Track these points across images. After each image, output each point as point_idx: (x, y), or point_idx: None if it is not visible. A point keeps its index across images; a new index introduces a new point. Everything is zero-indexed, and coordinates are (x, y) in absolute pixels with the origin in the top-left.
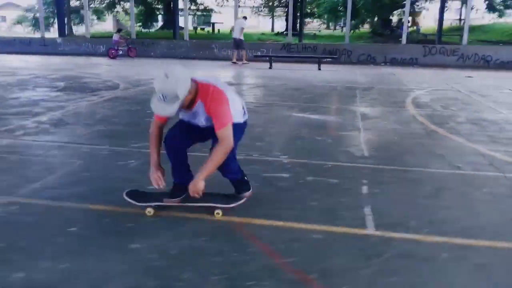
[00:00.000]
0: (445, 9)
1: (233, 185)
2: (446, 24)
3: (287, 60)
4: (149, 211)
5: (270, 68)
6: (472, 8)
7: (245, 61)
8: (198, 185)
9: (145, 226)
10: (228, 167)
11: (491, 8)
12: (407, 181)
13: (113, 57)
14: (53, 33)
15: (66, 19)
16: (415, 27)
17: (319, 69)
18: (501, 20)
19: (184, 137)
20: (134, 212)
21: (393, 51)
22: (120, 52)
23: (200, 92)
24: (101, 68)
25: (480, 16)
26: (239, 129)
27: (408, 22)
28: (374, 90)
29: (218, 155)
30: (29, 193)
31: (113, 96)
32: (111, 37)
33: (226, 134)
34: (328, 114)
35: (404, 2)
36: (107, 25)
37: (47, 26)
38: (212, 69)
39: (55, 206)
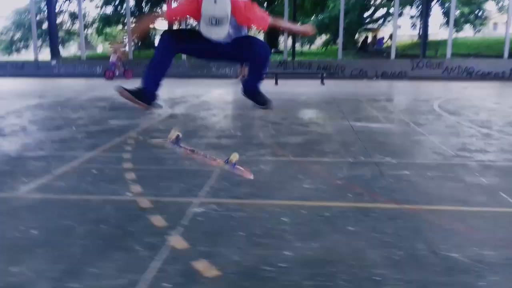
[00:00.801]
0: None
1: (253, 99)
2: (405, 39)
3: (287, 76)
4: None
5: (276, 84)
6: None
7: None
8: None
9: None
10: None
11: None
12: None
13: (110, 78)
14: (26, 55)
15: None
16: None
17: (323, 83)
18: (460, 35)
19: (186, 40)
20: None
21: (383, 65)
22: (117, 74)
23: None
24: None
25: (436, 31)
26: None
27: (383, 38)
28: (397, 101)
29: (281, 21)
30: None
31: (172, 112)
32: (107, 58)
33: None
34: (385, 122)
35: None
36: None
37: (23, 48)
38: (220, 87)
39: None
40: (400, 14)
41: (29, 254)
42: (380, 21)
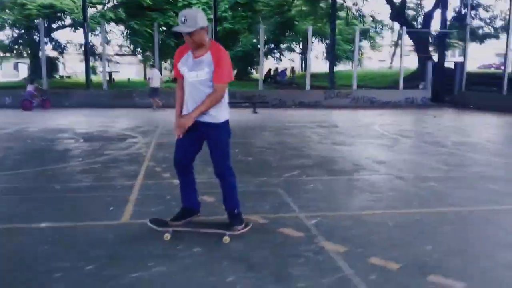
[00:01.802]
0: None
1: (230, 216)
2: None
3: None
4: (166, 236)
5: (255, 112)
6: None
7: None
8: (187, 119)
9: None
10: (226, 196)
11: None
12: None
13: (28, 109)
14: None
15: None
16: (292, 75)
17: (255, 112)
18: (338, 68)
19: (188, 146)
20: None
21: (300, 95)
22: (34, 104)
23: (212, 45)
24: (41, 121)
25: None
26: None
27: (285, 70)
28: (343, 126)
29: (210, 100)
30: None
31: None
32: (18, 87)
33: (222, 88)
34: (355, 145)
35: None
36: None
37: None
38: (143, 116)
39: None
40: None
41: None
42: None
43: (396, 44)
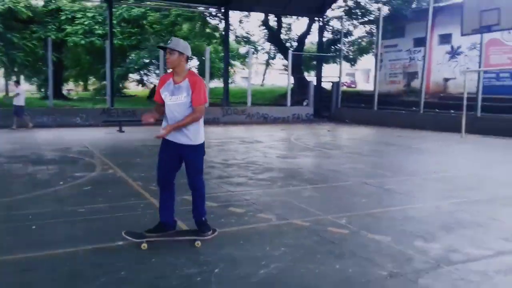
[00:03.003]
0: None
1: (197, 224)
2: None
3: (125, 124)
4: (144, 245)
5: (122, 131)
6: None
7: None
8: (166, 129)
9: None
10: (196, 205)
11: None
12: None
13: None
14: None
15: None
16: None
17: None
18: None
19: (170, 165)
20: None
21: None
22: None
23: (190, 73)
24: None
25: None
26: (203, 147)
27: None
28: (264, 141)
29: (188, 118)
30: None
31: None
32: None
33: (200, 110)
34: (301, 157)
35: None
36: None
37: None
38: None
39: None
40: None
41: None
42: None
43: (267, 64)
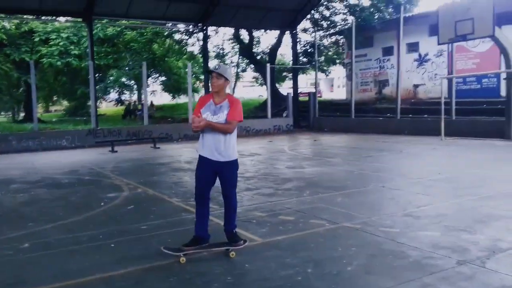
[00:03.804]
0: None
1: (229, 236)
2: None
3: (118, 143)
4: (182, 259)
5: (115, 151)
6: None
7: None
8: (202, 122)
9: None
10: (230, 218)
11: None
12: None
13: None
14: None
15: None
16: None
17: (157, 147)
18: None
19: (206, 181)
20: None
21: (184, 128)
22: None
23: (229, 96)
24: None
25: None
26: (237, 162)
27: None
28: (263, 153)
29: (224, 126)
30: None
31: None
32: None
33: (233, 124)
34: (300, 167)
35: None
36: None
37: None
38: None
39: None
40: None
41: None
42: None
43: (237, 77)
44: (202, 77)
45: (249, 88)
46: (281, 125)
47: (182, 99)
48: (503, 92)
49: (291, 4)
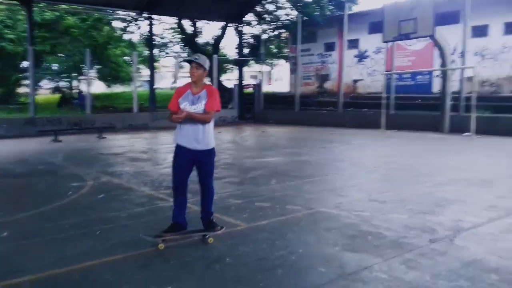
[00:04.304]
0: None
1: (207, 223)
2: None
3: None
4: (161, 245)
5: (59, 141)
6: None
7: None
8: (183, 113)
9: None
10: (208, 205)
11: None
12: None
13: None
14: None
15: None
16: None
17: (103, 137)
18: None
19: (185, 170)
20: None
21: (129, 118)
22: None
23: (206, 85)
24: None
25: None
26: (214, 150)
27: (81, 92)
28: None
29: (203, 116)
30: None
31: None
32: None
33: (212, 114)
34: (270, 156)
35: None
36: None
37: None
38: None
39: None
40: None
41: None
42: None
43: (180, 67)
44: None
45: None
46: (226, 116)
47: (119, 88)
48: (434, 89)
49: None
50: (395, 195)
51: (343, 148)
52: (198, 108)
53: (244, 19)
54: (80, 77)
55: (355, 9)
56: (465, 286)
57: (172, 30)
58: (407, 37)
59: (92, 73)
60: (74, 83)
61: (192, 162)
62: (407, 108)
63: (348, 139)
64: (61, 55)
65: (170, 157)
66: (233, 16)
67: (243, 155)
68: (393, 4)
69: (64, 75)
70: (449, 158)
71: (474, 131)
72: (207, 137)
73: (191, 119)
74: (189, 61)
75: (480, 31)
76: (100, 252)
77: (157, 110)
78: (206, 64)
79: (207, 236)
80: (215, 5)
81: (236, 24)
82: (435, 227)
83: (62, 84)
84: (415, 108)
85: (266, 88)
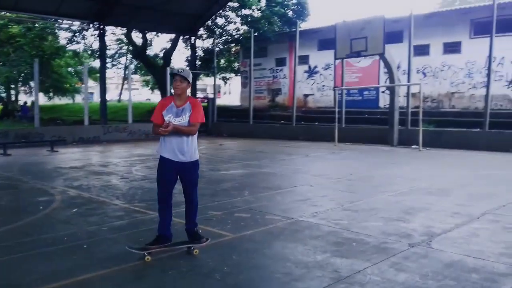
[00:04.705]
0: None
1: (191, 234)
2: None
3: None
4: (147, 258)
5: (8, 154)
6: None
7: None
8: (170, 126)
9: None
10: (192, 217)
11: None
12: None
13: None
14: None
15: None
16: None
17: (55, 151)
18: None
19: (170, 182)
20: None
21: (79, 131)
22: None
23: (190, 98)
24: None
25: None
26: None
27: (26, 106)
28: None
29: (188, 129)
30: None
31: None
32: None
33: (197, 126)
34: (232, 169)
35: None
36: None
37: None
38: None
39: None
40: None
41: None
42: None
43: (125, 79)
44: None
45: (135, 91)
46: None
47: (61, 100)
48: (381, 104)
49: (193, 9)
50: (365, 204)
51: (303, 161)
52: (183, 120)
53: (193, 32)
54: (23, 88)
55: (304, 26)
56: (452, 285)
57: (119, 41)
58: (358, 54)
59: (37, 84)
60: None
61: (176, 174)
62: (356, 122)
63: (304, 152)
64: (5, 64)
65: (133, 170)
66: (185, 29)
67: (208, 168)
68: (344, 23)
69: (6, 86)
70: (404, 169)
71: (421, 144)
72: (192, 148)
73: (176, 131)
74: (173, 75)
75: (421, 50)
76: (91, 266)
77: (108, 123)
78: (190, 77)
79: (192, 248)
80: (167, 18)
81: (188, 37)
82: (410, 233)
83: (3, 95)
84: (363, 122)
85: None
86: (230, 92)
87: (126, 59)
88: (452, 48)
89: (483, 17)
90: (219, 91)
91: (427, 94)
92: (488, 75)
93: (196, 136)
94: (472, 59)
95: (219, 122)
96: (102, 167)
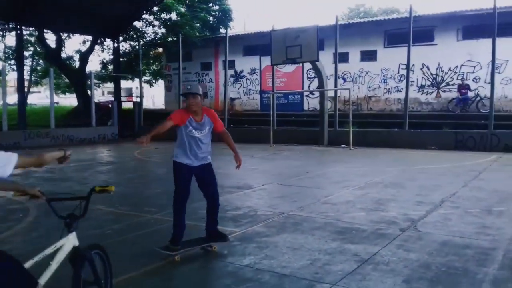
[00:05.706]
0: None
1: (214, 233)
2: None
3: None
4: (177, 257)
5: None
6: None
7: None
8: (147, 137)
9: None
10: (216, 217)
11: None
12: None
13: None
14: None
15: None
16: None
17: None
18: None
19: (188, 187)
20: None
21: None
22: None
23: (205, 110)
24: None
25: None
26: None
27: None
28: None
29: (231, 139)
30: None
31: None
32: None
33: (226, 132)
34: None
35: None
36: None
37: None
38: None
39: None
40: None
41: None
42: None
43: (35, 83)
44: None
45: (39, 95)
46: (106, 134)
47: None
48: (305, 106)
49: (117, 12)
50: (338, 198)
51: (253, 161)
52: (203, 132)
53: (117, 34)
54: None
55: (230, 32)
56: (456, 259)
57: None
58: (294, 61)
59: None
60: None
61: (192, 178)
62: (283, 124)
63: (245, 153)
64: None
65: (87, 175)
66: (111, 31)
67: (158, 171)
68: (280, 30)
69: None
70: (348, 166)
71: (350, 144)
72: (206, 152)
73: (234, 151)
74: (185, 95)
75: (341, 58)
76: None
77: (29, 128)
78: (200, 90)
79: (212, 247)
80: (92, 19)
81: (113, 39)
82: (394, 220)
83: None
84: (291, 124)
85: (127, 104)
86: (152, 96)
87: (33, 61)
88: (368, 56)
89: (395, 28)
90: (131, 94)
91: (348, 98)
92: (407, 80)
93: (210, 141)
94: (386, 66)
95: (145, 126)
96: (49, 173)
